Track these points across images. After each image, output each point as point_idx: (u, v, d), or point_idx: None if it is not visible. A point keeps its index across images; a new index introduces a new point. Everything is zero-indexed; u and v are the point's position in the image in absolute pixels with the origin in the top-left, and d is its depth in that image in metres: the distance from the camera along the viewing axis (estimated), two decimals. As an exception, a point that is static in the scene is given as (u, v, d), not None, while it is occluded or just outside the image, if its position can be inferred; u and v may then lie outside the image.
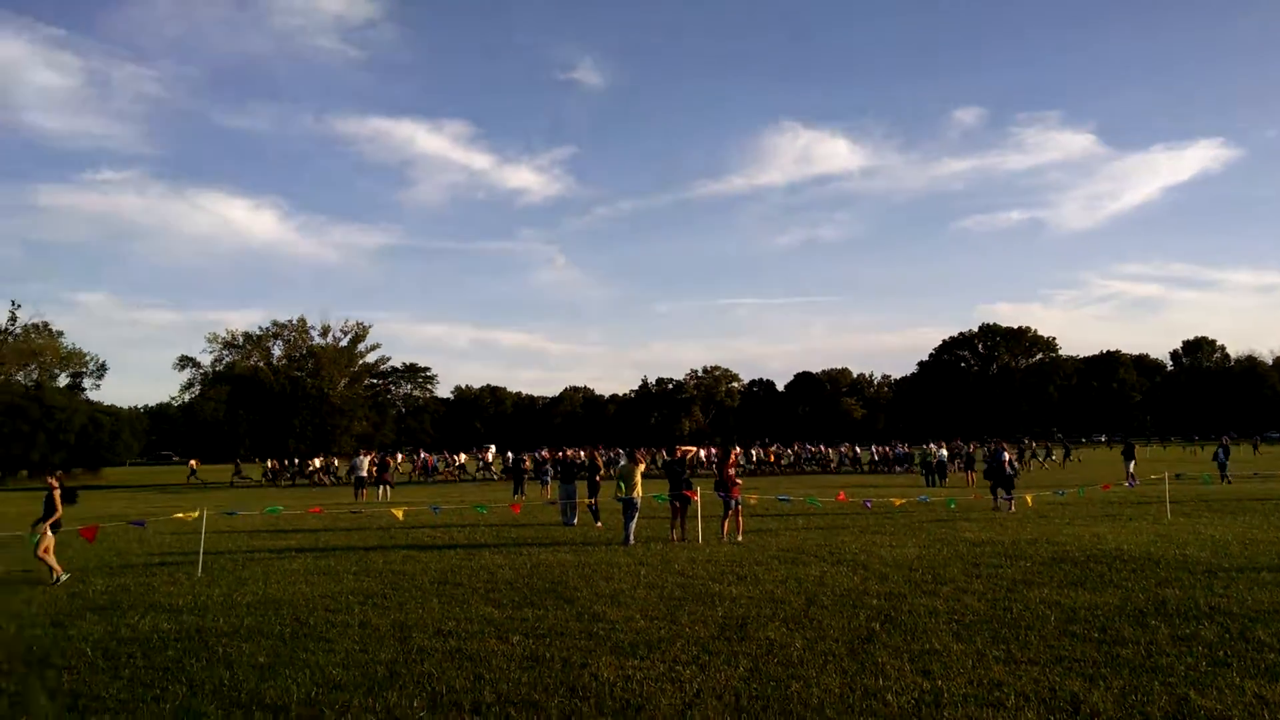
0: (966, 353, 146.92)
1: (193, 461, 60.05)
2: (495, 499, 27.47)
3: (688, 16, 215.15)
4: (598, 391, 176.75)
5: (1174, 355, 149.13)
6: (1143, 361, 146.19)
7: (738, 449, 49.27)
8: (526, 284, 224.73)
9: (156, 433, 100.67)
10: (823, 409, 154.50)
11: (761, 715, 6.00)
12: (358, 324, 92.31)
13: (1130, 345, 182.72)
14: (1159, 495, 21.98)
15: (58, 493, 12.85)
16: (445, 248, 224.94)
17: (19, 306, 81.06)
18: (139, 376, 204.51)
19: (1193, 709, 5.96)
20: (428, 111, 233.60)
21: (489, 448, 58.11)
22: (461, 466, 53.36)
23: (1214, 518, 18.14)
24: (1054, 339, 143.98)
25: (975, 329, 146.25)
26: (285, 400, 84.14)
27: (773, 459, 48.93)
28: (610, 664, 7.31)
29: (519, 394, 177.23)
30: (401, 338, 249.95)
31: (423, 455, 54.78)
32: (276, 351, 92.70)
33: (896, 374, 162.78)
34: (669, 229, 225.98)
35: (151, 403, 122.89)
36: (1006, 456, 21.61)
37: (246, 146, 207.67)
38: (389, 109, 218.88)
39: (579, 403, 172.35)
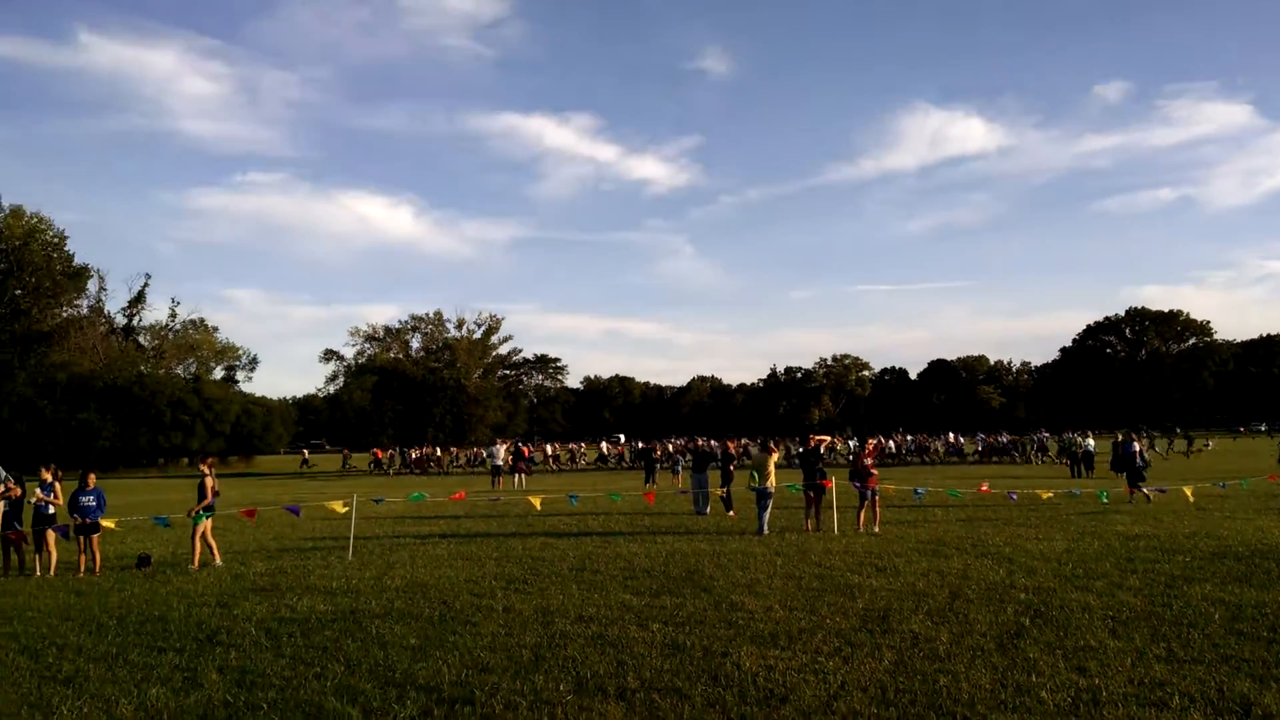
0: (1113, 338, 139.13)
1: (344, 450, 63.38)
2: (627, 488, 27.81)
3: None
4: (725, 381, 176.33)
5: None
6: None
7: (881, 439, 48.36)
8: (654, 274, 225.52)
9: (303, 423, 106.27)
10: (958, 398, 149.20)
11: (910, 709, 5.85)
12: (491, 316, 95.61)
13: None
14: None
15: (209, 479, 13.72)
16: (574, 239, 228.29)
17: (178, 304, 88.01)
18: (287, 369, 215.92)
19: (1393, 720, 5.47)
20: (555, 105, 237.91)
21: (619, 437, 58.97)
22: (555, 456, 54.65)
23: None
24: (1208, 323, 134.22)
25: (1122, 313, 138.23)
26: (426, 390, 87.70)
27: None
28: (751, 654, 7.28)
29: (647, 384, 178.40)
30: (532, 329, 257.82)
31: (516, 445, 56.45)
32: (415, 344, 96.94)
33: (1036, 361, 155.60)
34: (797, 216, 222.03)
35: (299, 394, 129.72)
36: (1136, 448, 20.87)
37: (383, 146, 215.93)
38: (518, 104, 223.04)
39: (706, 392, 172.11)
